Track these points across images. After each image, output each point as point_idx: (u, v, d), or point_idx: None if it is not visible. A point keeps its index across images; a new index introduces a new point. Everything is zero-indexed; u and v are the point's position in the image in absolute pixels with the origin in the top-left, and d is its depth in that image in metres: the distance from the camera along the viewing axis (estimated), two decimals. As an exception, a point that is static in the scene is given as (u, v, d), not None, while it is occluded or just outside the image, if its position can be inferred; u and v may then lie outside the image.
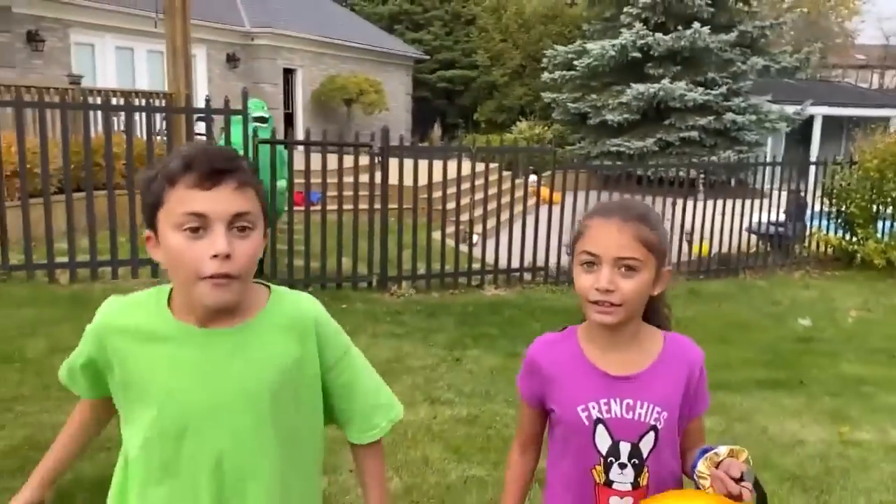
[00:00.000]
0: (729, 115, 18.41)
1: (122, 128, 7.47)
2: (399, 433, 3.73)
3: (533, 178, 12.06)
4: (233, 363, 1.30)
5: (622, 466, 1.49)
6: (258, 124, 6.75)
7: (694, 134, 18.27)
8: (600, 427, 1.48)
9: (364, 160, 8.56)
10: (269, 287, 1.39)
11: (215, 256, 1.20)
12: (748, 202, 9.64)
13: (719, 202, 9.46)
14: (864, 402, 5.01)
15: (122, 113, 7.39)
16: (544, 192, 8.79)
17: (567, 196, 8.47)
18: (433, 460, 3.58)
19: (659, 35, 18.34)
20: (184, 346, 1.29)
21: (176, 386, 1.29)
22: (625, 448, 1.48)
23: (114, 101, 7.78)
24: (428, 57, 25.69)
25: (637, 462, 1.49)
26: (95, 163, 7.21)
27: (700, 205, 9.33)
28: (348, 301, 6.67)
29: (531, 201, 11.04)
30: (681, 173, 9.84)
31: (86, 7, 14.15)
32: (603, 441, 1.49)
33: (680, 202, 9.06)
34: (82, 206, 6.67)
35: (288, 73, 19.24)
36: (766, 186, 9.75)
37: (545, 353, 1.57)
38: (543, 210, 8.77)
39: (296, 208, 7.17)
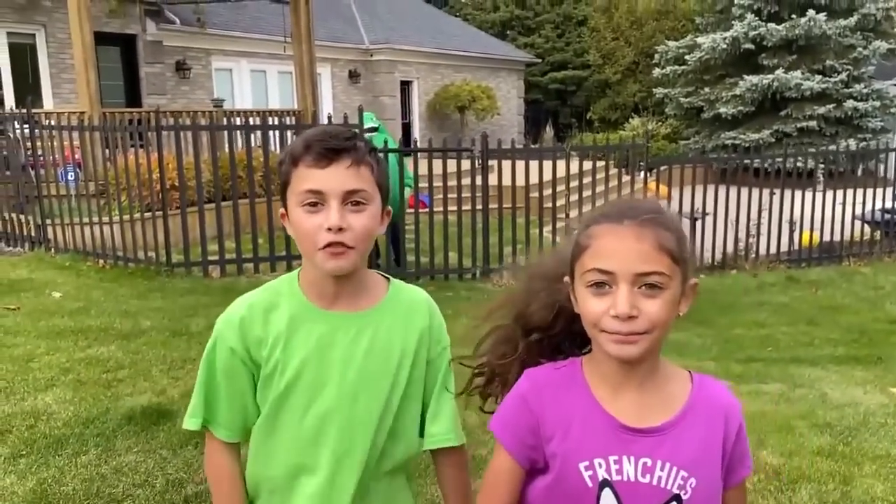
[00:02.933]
0: (850, 103, 17.87)
1: (259, 144, 8.60)
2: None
3: (647, 174, 12.39)
4: (359, 344, 1.37)
5: None
6: (370, 134, 7.66)
7: (812, 123, 17.87)
8: (607, 492, 1.15)
9: (469, 164, 9.34)
10: (388, 279, 1.48)
11: (329, 229, 1.28)
12: (871, 191, 9.56)
13: (839, 192, 9.49)
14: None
15: (259, 131, 8.52)
16: (657, 187, 9.16)
17: (685, 191, 8.88)
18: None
19: (772, 25, 18.07)
20: (315, 324, 1.37)
21: (308, 361, 1.36)
22: None
23: (251, 120, 8.95)
24: (539, 60, 26.21)
25: None
26: (238, 175, 8.39)
27: (819, 195, 9.41)
28: (453, 290, 7.45)
29: (641, 197, 11.44)
30: (798, 164, 9.90)
31: (225, 36, 15.76)
32: None
33: (798, 193, 9.16)
34: (229, 212, 7.82)
35: (405, 85, 20.37)
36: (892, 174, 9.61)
37: (541, 390, 1.22)
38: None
39: (409, 210, 8.04)
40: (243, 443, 1.45)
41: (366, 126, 7.66)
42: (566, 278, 1.22)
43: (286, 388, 1.36)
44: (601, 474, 1.15)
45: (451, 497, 1.48)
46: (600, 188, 8.73)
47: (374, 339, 1.38)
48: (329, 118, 8.14)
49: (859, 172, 10.49)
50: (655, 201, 1.28)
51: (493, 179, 8.02)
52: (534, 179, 8.80)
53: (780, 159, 9.67)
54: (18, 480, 3.07)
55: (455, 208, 8.16)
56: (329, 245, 1.29)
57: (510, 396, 1.25)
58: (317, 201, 1.30)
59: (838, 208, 9.37)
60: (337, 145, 1.30)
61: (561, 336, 1.29)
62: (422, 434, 1.47)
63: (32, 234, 8.36)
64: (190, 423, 1.41)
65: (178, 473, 3.16)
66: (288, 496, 1.40)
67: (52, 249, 8.16)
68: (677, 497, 1.15)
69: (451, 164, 8.36)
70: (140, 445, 3.41)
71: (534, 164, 8.77)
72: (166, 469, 3.19)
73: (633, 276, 1.11)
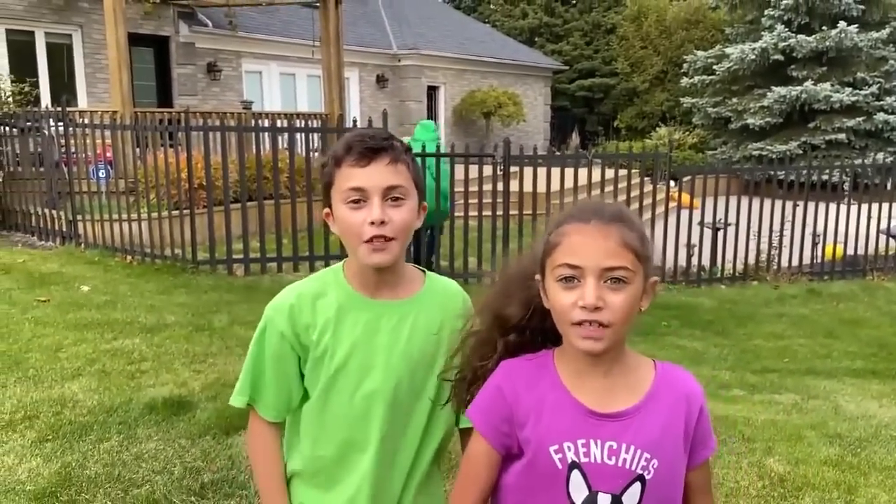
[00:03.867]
0: (880, 116, 17.68)
1: (285, 146, 8.75)
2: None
3: (672, 183, 12.39)
4: (401, 331, 1.47)
5: None
6: (429, 140, 7.80)
7: (841, 136, 17.70)
8: (576, 473, 1.23)
9: (491, 170, 9.42)
10: (423, 271, 1.59)
11: (372, 223, 1.38)
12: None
13: (864, 206, 9.42)
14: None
15: (286, 133, 8.68)
16: (678, 196, 9.16)
17: (709, 201, 8.90)
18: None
19: (802, 36, 17.94)
20: (362, 312, 1.47)
21: (357, 346, 1.46)
22: (604, 501, 1.23)
23: (279, 123, 9.11)
24: (567, 67, 26.24)
25: None
26: (264, 177, 8.54)
27: (843, 208, 9.36)
28: (472, 294, 7.50)
29: (664, 207, 11.47)
30: (823, 177, 9.84)
31: (256, 39, 16.01)
32: (578, 491, 1.23)
33: (824, 206, 9.12)
34: (254, 212, 7.97)
35: (431, 90, 20.51)
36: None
37: (515, 380, 1.30)
38: (675, 214, 9.14)
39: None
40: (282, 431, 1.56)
41: (423, 133, 7.76)
42: (537, 276, 1.30)
43: (336, 371, 1.46)
44: (570, 457, 1.23)
45: None
46: (623, 197, 8.75)
47: (415, 325, 1.48)
48: (355, 122, 8.28)
49: (888, 186, 10.40)
50: (621, 204, 1.36)
51: (514, 185, 8.09)
52: (556, 186, 8.85)
53: (805, 171, 9.61)
54: (44, 463, 3.20)
55: (476, 213, 8.24)
56: (372, 239, 1.39)
57: (486, 386, 1.34)
58: (359, 198, 1.40)
59: (864, 222, 9.29)
60: (375, 145, 1.41)
61: (536, 333, 1.37)
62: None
63: (64, 229, 8.59)
64: (237, 399, 1.52)
65: (195, 462, 3.26)
66: (339, 473, 1.50)
67: (82, 244, 8.38)
68: (641, 477, 1.23)
69: (473, 170, 8.43)
70: (160, 434, 3.53)
71: (556, 171, 8.82)
72: (185, 457, 3.30)
73: (599, 270, 1.19)
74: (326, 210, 1.48)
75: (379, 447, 1.47)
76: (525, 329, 1.37)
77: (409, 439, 1.49)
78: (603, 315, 1.19)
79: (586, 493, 1.23)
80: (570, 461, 1.24)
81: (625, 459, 1.23)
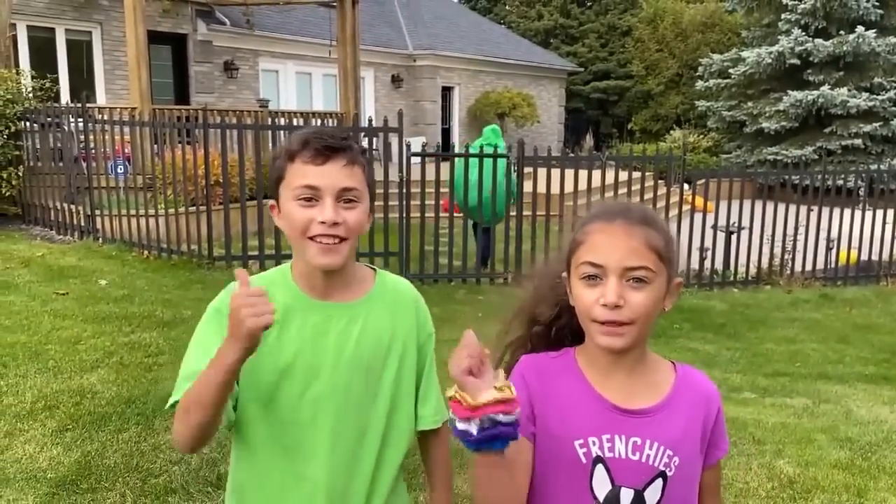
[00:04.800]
0: (898, 121, 17.57)
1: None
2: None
3: (686, 186, 12.41)
4: (350, 332, 1.43)
5: None
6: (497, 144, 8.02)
7: (858, 141, 17.60)
8: (600, 468, 1.25)
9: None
10: (374, 269, 1.54)
11: (323, 223, 1.34)
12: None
13: (880, 212, 9.40)
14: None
15: (302, 132, 8.75)
16: (692, 199, 9.16)
17: (722, 204, 8.91)
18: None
19: (819, 41, 17.86)
20: (309, 313, 1.42)
21: (304, 349, 1.41)
22: (626, 496, 1.24)
23: (295, 121, 9.18)
24: (582, 69, 26.22)
25: None
26: (279, 174, 8.60)
27: (858, 214, 9.33)
28: (485, 294, 7.57)
29: (678, 209, 11.47)
30: (839, 182, 9.82)
31: (273, 38, 16.12)
32: (601, 486, 1.24)
33: (837, 211, 9.11)
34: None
35: (446, 91, 20.56)
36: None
37: (538, 369, 1.32)
38: (689, 217, 9.15)
39: (442, 214, 8.18)
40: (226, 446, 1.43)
41: (491, 138, 7.98)
42: (563, 273, 1.32)
43: (280, 375, 1.39)
44: (595, 451, 1.24)
45: (436, 470, 1.59)
46: (636, 199, 8.75)
47: (364, 328, 1.44)
48: (370, 121, 8.32)
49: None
50: (646, 206, 1.38)
51: (528, 186, 8.12)
52: (569, 188, 8.87)
53: (821, 176, 9.59)
54: (65, 452, 3.27)
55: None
56: (320, 238, 1.34)
57: (511, 378, 1.30)
58: (312, 196, 1.35)
59: (879, 227, 9.26)
60: (334, 144, 1.36)
61: (565, 330, 1.38)
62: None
63: (82, 223, 8.70)
64: (182, 383, 1.33)
65: (212, 454, 3.32)
66: (287, 482, 1.42)
67: (100, 239, 8.48)
68: (663, 474, 1.24)
69: (481, 170, 8.46)
70: (177, 426, 3.59)
71: (570, 173, 8.84)
72: (201, 449, 3.36)
73: (622, 269, 1.21)
74: (272, 203, 1.43)
75: (330, 455, 1.41)
76: (554, 325, 1.39)
77: (367, 448, 1.44)
78: (623, 313, 1.21)
79: (609, 487, 1.24)
80: (594, 455, 1.24)
81: (648, 455, 1.24)
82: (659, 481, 1.24)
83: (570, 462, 1.25)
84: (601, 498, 1.24)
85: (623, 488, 1.24)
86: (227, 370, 1.22)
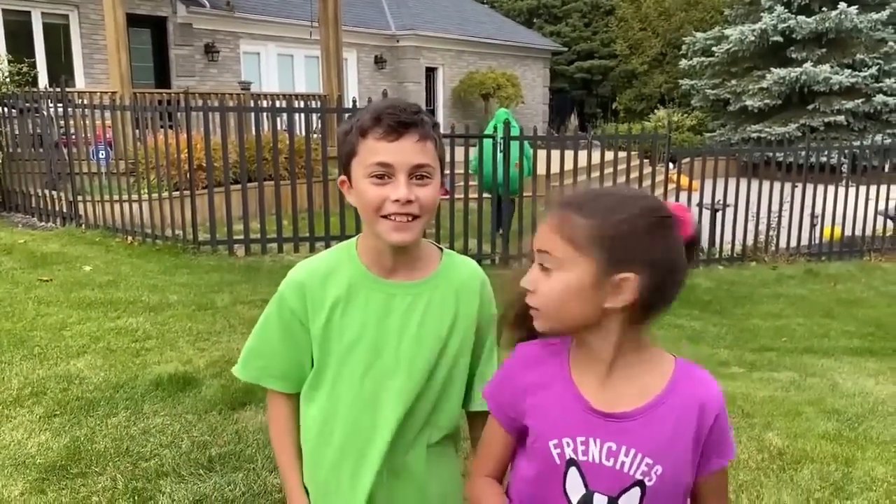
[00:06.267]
0: (879, 98, 17.64)
1: (284, 127, 8.73)
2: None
3: (671, 165, 12.43)
4: (414, 312, 1.43)
5: None
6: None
7: (840, 118, 17.68)
8: (573, 471, 1.21)
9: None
10: (441, 249, 1.52)
11: (396, 201, 1.32)
12: (896, 187, 9.56)
13: (862, 188, 9.47)
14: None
15: (285, 114, 8.67)
16: (677, 178, 9.18)
17: (708, 182, 8.92)
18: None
19: (801, 18, 17.88)
20: (373, 291, 1.42)
21: (368, 327, 1.42)
22: (600, 502, 1.20)
23: (278, 104, 9.08)
24: (566, 49, 26.13)
25: None
26: (263, 158, 8.53)
27: (842, 190, 9.40)
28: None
29: (664, 188, 11.50)
30: (822, 158, 9.88)
31: (254, 20, 15.94)
32: (575, 489, 1.21)
33: (820, 187, 9.17)
34: (254, 193, 7.97)
35: (430, 72, 20.44)
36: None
37: (525, 364, 1.29)
38: (674, 195, 9.20)
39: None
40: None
41: (501, 123, 8.13)
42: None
43: (346, 351, 1.42)
44: (568, 453, 1.21)
45: None
46: (622, 178, 8.76)
47: (427, 308, 1.43)
48: (354, 103, 8.26)
49: (886, 168, 10.42)
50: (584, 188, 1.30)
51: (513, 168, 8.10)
52: (555, 168, 8.86)
53: (804, 153, 9.63)
54: (53, 437, 3.24)
55: (476, 195, 8.25)
56: (394, 216, 1.33)
57: (501, 367, 1.34)
58: (384, 174, 1.33)
59: (862, 203, 9.33)
60: (407, 119, 1.34)
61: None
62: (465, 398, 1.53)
63: (64, 210, 8.60)
64: (241, 372, 1.52)
65: (202, 436, 3.31)
66: (355, 459, 1.45)
67: (83, 225, 8.39)
68: (640, 483, 1.18)
69: (473, 152, 8.45)
70: (167, 410, 3.57)
71: (556, 154, 8.82)
72: (192, 432, 3.35)
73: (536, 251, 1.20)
74: (342, 178, 1.42)
75: (389, 435, 1.43)
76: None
77: (412, 426, 1.46)
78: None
79: (583, 491, 1.20)
80: (567, 457, 1.21)
81: (623, 462, 1.18)
82: (636, 490, 1.19)
83: (545, 461, 1.23)
84: (574, 501, 1.21)
85: (597, 493, 1.20)
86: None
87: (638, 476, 1.18)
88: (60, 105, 8.70)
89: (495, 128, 8.19)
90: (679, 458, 1.20)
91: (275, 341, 1.48)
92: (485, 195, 8.37)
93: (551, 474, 1.22)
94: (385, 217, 1.34)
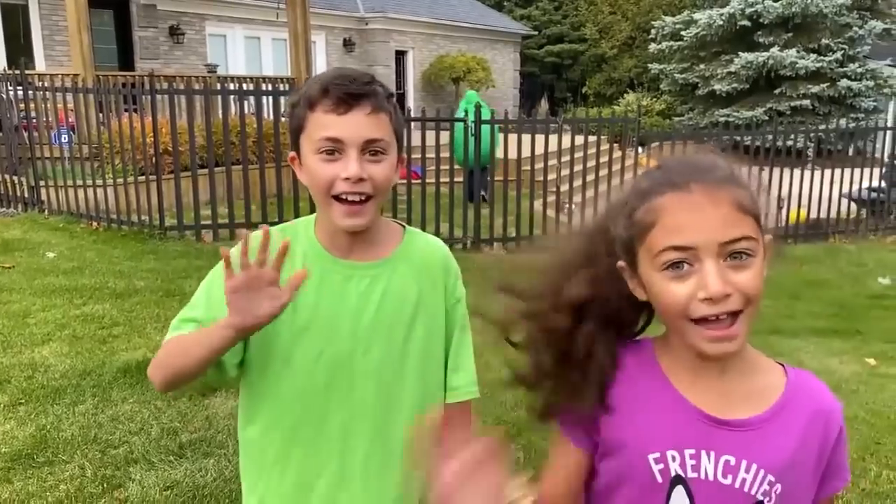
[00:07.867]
0: (844, 82, 17.93)
1: (252, 110, 8.60)
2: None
3: (640, 149, 12.52)
4: (372, 295, 1.31)
5: None
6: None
7: (806, 102, 17.94)
8: (679, 490, 1.00)
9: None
10: (403, 226, 1.42)
11: (347, 179, 1.22)
12: (861, 170, 9.73)
13: (827, 171, 9.62)
14: (913, 347, 5.38)
15: (253, 97, 8.54)
16: (646, 162, 9.25)
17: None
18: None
19: (769, 2, 18.06)
20: (329, 273, 1.31)
21: (322, 308, 1.30)
22: None
23: (245, 86, 8.95)
24: (536, 32, 26.09)
25: None
26: (231, 142, 8.40)
27: (808, 174, 9.54)
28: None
29: (633, 172, 11.58)
30: (788, 142, 10.01)
31: (220, 2, 15.66)
32: None
33: (787, 171, 9.28)
34: (222, 178, 7.86)
35: (400, 55, 20.28)
36: (886, 153, 9.75)
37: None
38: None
39: (400, 180, 8.10)
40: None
41: (471, 107, 8.14)
42: (620, 263, 1.02)
43: (295, 335, 1.29)
44: (674, 469, 1.00)
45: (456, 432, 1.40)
46: (592, 162, 8.79)
47: (387, 289, 1.32)
48: (323, 85, 8.18)
49: (850, 151, 10.62)
50: (713, 155, 1.04)
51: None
52: (526, 152, 8.84)
53: (771, 137, 9.76)
54: (18, 426, 3.18)
55: (447, 179, 8.22)
56: (346, 198, 1.23)
57: None
58: (334, 149, 1.23)
59: (827, 186, 9.49)
60: (357, 90, 1.23)
61: (616, 309, 1.07)
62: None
63: (26, 195, 8.40)
64: (180, 323, 1.30)
65: (172, 423, 3.27)
66: (305, 445, 1.32)
67: (46, 211, 8.21)
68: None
69: (444, 136, 8.40)
70: (135, 397, 3.52)
71: (527, 138, 8.81)
72: (161, 419, 3.30)
73: (718, 246, 0.93)
74: (292, 154, 1.32)
75: (344, 420, 1.30)
76: (604, 306, 1.06)
77: (396, 423, 1.32)
78: (731, 302, 0.93)
79: None
80: (673, 474, 0.99)
81: (744, 480, 0.99)
82: None
83: (641, 480, 1.01)
84: None
85: None
86: (214, 352, 1.18)
87: (759, 496, 0.99)
88: (21, 88, 8.47)
89: (466, 111, 8.14)
90: (800, 476, 1.02)
91: (216, 292, 1.23)
92: (456, 166, 8.33)
93: (648, 495, 1.01)
94: (336, 198, 1.24)
